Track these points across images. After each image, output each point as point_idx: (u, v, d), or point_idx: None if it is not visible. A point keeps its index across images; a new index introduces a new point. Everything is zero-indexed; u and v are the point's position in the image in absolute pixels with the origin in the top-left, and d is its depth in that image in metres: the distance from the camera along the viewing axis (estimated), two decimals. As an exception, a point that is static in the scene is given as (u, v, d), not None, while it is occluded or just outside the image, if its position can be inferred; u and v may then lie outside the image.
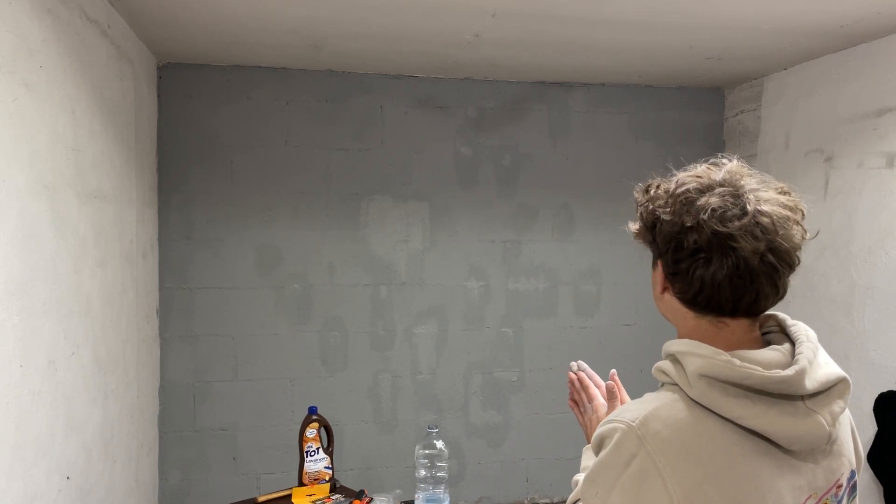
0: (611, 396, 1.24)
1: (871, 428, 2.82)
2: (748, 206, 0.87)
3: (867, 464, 2.81)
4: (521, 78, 3.59)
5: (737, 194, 0.89)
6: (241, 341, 3.37)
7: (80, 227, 2.16)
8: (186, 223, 3.29)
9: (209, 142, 3.31)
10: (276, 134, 3.38)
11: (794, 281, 0.92)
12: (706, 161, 0.97)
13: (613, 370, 1.27)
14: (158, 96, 3.24)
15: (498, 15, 2.59)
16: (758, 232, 0.87)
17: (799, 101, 3.33)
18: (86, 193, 2.22)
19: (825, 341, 3.51)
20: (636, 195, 1.01)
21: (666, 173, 0.99)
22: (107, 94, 2.44)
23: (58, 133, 1.99)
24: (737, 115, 3.78)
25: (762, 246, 0.87)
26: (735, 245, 0.87)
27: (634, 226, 1.01)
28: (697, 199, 0.90)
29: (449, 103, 3.57)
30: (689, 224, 0.89)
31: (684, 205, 0.91)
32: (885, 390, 2.80)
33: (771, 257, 0.87)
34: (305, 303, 3.43)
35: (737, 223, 0.87)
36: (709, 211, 0.88)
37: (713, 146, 3.85)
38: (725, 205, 0.88)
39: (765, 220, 0.87)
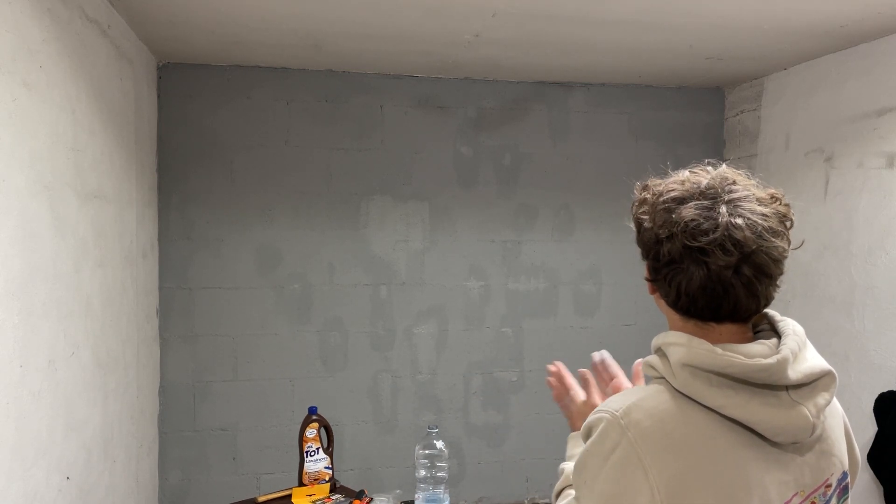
0: (584, 385, 1.24)
1: (871, 428, 2.82)
2: (720, 220, 0.88)
3: (867, 464, 2.81)
4: (521, 78, 3.59)
5: (712, 206, 0.89)
6: (241, 341, 3.37)
7: (80, 227, 2.16)
8: (186, 223, 3.29)
9: (209, 142, 3.31)
10: (276, 134, 3.38)
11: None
12: (700, 164, 0.98)
13: (595, 354, 1.27)
14: (158, 96, 3.24)
15: (498, 15, 2.59)
16: (729, 246, 0.87)
17: (799, 101, 3.33)
18: (86, 193, 2.22)
19: (825, 341, 3.48)
20: (634, 192, 1.03)
21: (665, 173, 1.00)
22: (107, 94, 2.44)
23: (58, 133, 1.99)
24: (737, 115, 3.78)
25: (733, 259, 0.87)
26: (706, 259, 0.88)
27: (632, 224, 1.03)
28: (674, 210, 0.91)
29: (449, 103, 3.57)
30: (663, 235, 0.91)
31: (661, 215, 0.93)
32: (885, 390, 2.80)
33: (746, 269, 0.88)
34: (305, 303, 3.43)
35: (707, 238, 0.87)
36: (681, 224, 0.89)
37: (713, 146, 3.85)
38: (698, 219, 0.89)
39: (738, 234, 0.87)
